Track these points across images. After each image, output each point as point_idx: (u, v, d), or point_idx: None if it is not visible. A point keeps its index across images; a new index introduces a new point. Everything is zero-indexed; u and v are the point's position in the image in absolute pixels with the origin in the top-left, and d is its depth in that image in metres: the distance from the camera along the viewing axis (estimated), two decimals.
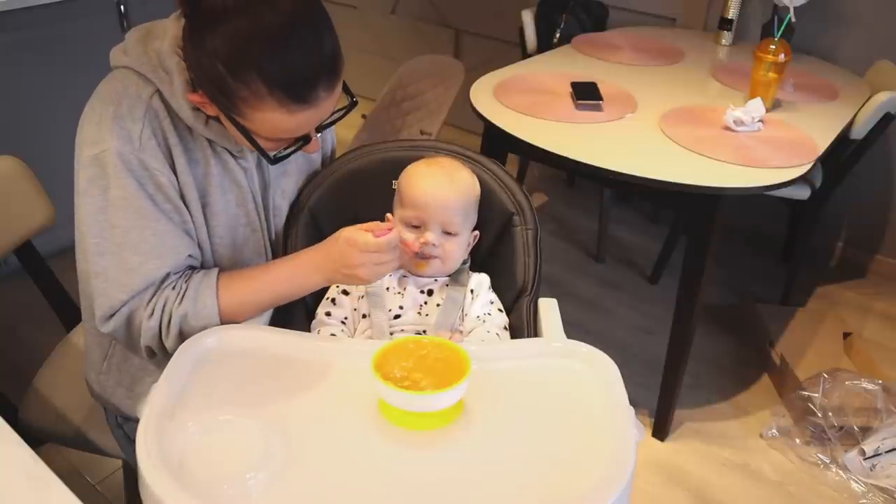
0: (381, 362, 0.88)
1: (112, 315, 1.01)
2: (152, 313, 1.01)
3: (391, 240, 0.98)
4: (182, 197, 1.03)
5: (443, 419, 0.88)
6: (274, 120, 0.93)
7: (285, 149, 1.00)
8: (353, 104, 1.03)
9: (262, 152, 0.98)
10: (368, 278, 1.01)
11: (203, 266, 1.09)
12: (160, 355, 1.04)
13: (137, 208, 0.98)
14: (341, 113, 1.02)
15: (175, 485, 0.76)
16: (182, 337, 1.01)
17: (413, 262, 1.13)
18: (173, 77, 0.97)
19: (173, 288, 1.02)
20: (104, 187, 0.98)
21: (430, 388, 0.86)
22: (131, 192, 0.98)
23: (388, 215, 1.18)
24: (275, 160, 0.99)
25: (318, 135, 1.02)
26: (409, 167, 1.17)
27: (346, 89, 1.01)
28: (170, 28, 0.99)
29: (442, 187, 1.12)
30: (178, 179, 1.02)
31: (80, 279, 1.09)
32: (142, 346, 1.03)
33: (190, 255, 1.05)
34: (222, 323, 1.02)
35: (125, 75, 1.00)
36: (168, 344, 1.02)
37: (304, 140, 0.99)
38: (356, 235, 0.99)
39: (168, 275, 1.03)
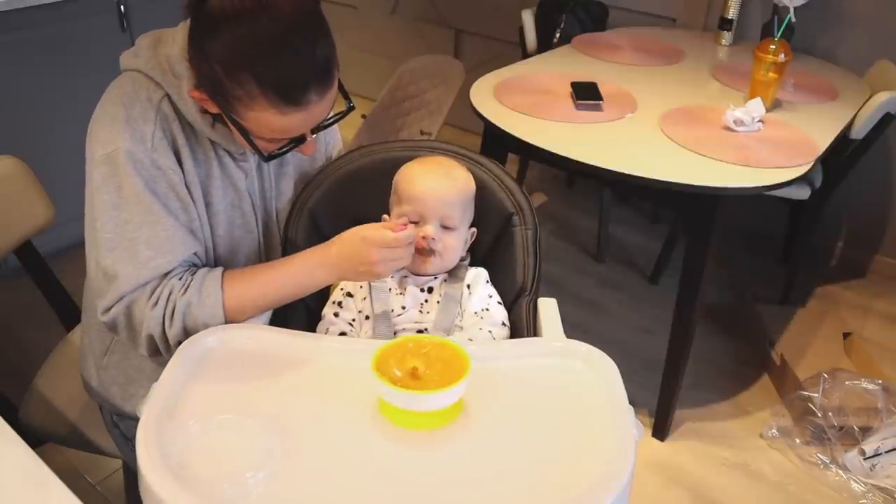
0: (381, 362, 0.88)
1: (112, 305, 1.02)
2: (157, 302, 1.01)
3: (409, 235, 1.04)
4: (189, 195, 1.06)
5: (443, 419, 0.88)
6: (267, 119, 0.96)
7: (280, 148, 1.03)
8: (349, 109, 1.08)
9: (256, 150, 1.02)
10: (385, 273, 1.06)
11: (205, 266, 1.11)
12: (162, 348, 1.04)
13: (148, 205, 1.01)
14: (338, 117, 1.07)
15: (175, 484, 0.76)
16: (185, 328, 1.01)
17: (413, 259, 1.13)
18: (182, 82, 1.02)
19: (179, 279, 1.03)
20: (118, 184, 1.01)
21: (430, 387, 0.86)
22: (141, 189, 1.01)
23: (385, 216, 1.18)
24: (268, 158, 1.03)
25: (314, 137, 1.04)
26: (403, 167, 1.18)
27: (343, 93, 1.05)
28: (178, 35, 1.03)
29: (440, 182, 1.14)
30: (185, 179, 1.06)
31: (89, 273, 1.09)
32: (143, 337, 1.03)
33: (195, 254, 1.07)
34: (226, 317, 1.03)
35: (135, 79, 1.04)
36: (171, 334, 1.02)
37: (299, 140, 1.03)
38: (375, 233, 1.03)
39: (175, 268, 1.04)
